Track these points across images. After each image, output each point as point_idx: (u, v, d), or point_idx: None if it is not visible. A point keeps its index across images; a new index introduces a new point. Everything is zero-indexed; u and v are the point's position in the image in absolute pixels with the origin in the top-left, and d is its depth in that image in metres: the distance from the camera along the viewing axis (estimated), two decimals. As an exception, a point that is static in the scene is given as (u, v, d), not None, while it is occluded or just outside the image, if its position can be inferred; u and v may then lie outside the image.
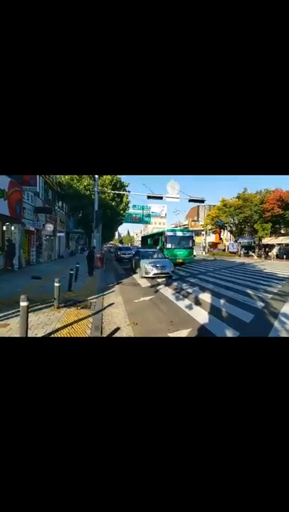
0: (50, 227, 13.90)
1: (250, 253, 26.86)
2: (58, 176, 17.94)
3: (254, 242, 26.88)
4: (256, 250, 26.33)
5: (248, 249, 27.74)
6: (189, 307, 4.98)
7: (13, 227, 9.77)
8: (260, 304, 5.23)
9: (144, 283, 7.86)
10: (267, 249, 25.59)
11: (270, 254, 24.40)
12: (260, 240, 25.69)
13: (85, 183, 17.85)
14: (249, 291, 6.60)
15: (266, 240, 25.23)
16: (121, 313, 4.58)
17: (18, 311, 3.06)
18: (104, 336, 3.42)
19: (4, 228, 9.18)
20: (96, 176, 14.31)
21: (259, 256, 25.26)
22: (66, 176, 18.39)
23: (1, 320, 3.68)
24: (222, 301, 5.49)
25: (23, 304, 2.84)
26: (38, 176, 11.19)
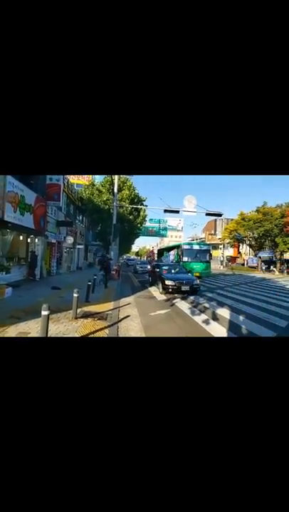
0: (70, 239, 14.47)
1: (272, 268, 25.69)
2: (80, 191, 18.86)
3: (275, 257, 25.76)
4: (278, 265, 25.15)
5: (269, 263, 26.57)
6: (206, 322, 4.84)
7: (36, 240, 10.33)
8: (283, 322, 4.95)
9: (160, 296, 7.80)
10: (290, 265, 24.36)
11: (293, 269, 23.19)
12: (281, 254, 24.59)
13: (105, 198, 18.54)
14: (271, 308, 6.28)
15: (289, 255, 24.12)
16: (136, 326, 4.56)
17: (38, 319, 3.19)
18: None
19: (29, 240, 9.73)
20: (115, 191, 14.87)
21: (281, 271, 24.06)
22: (87, 191, 19.29)
23: (22, 328, 3.84)
24: (241, 317, 5.27)
25: (45, 312, 2.96)
26: (61, 192, 11.87)
